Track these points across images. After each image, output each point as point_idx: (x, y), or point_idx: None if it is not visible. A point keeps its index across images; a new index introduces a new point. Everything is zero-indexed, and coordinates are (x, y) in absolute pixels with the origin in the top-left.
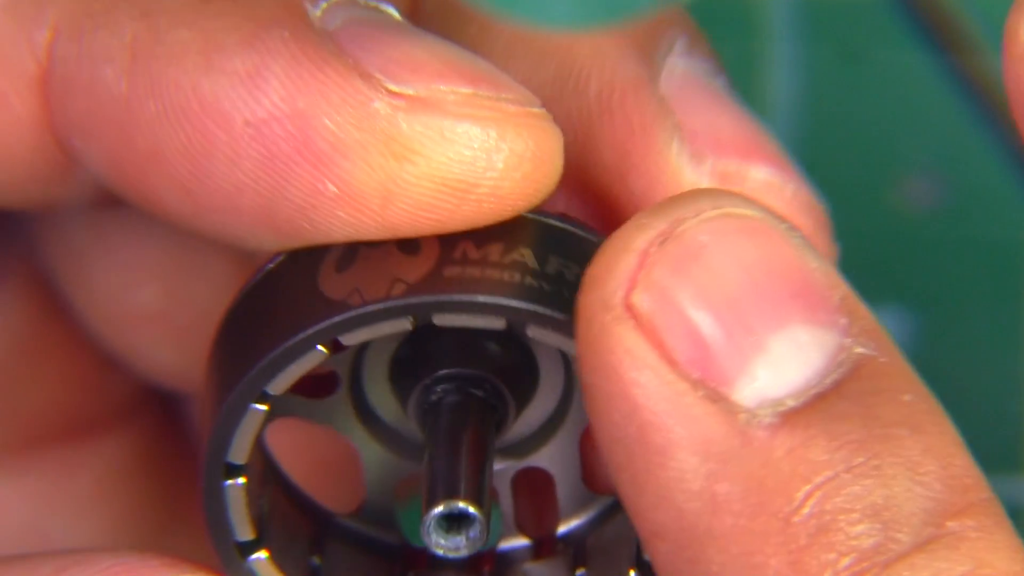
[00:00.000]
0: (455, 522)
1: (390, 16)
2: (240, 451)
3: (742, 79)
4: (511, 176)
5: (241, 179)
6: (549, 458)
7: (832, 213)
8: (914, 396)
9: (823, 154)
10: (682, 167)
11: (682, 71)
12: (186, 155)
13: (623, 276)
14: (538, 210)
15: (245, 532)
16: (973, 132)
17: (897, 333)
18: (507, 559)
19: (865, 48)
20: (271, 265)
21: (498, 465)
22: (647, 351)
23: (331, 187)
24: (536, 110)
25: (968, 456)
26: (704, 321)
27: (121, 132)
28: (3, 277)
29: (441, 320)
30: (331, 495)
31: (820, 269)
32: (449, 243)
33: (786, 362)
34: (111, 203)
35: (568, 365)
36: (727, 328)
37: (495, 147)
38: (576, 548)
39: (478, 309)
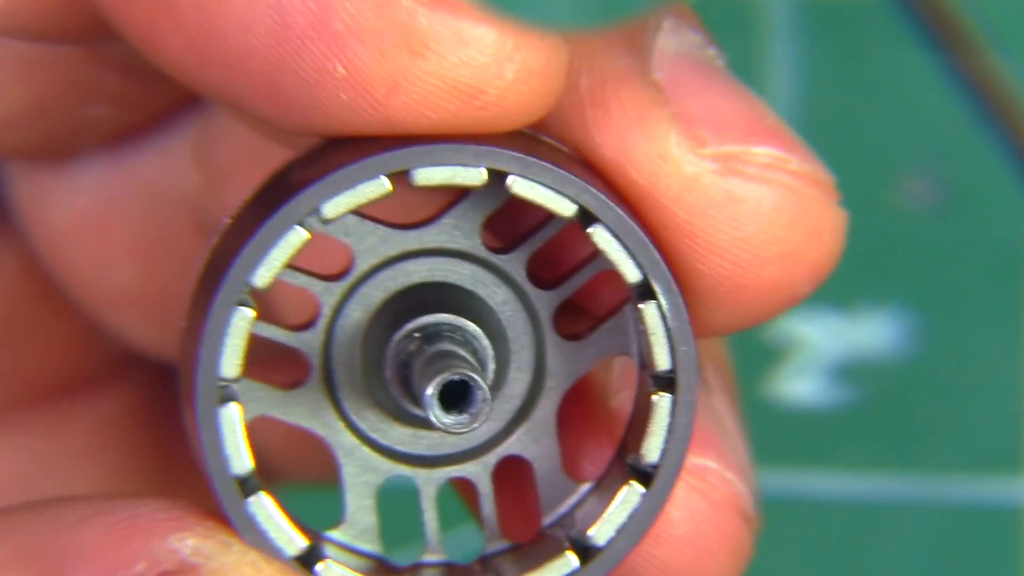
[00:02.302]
0: (455, 399)
1: None
2: (231, 363)
3: (742, 79)
4: (518, 88)
5: (252, 44)
6: (525, 444)
7: None
8: None
9: (823, 154)
10: (683, 156)
11: (673, 51)
12: (199, 10)
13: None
14: (531, 128)
15: (243, 463)
16: (973, 132)
17: (897, 333)
18: (493, 564)
19: (865, 48)
20: (244, 200)
21: (476, 463)
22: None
23: (340, 69)
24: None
25: None
26: None
27: None
28: None
29: (423, 178)
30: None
31: None
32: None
33: None
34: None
35: (539, 341)
36: None
37: (508, 56)
38: (560, 539)
39: (457, 157)
